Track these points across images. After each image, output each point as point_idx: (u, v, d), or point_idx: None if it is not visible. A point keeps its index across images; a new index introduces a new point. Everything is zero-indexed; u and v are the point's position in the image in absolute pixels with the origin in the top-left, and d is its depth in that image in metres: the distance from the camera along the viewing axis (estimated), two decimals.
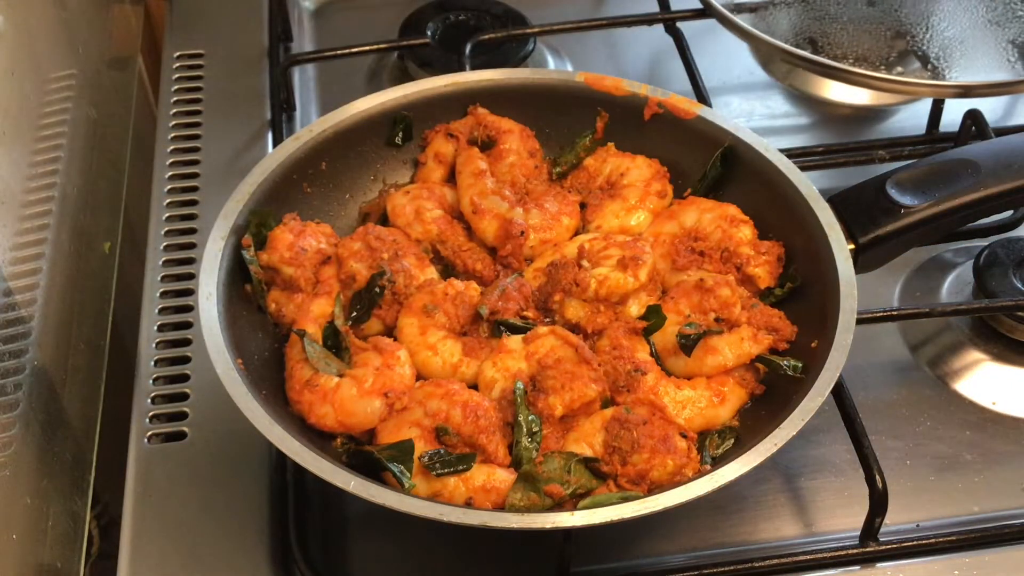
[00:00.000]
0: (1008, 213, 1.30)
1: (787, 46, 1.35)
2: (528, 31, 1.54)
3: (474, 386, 1.05)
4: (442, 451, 0.98)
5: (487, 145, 1.24)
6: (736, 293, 1.09)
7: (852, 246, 1.09)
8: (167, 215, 1.35)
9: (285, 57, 1.56)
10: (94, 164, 1.38)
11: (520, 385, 1.02)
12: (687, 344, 1.06)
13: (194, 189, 1.38)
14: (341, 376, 1.03)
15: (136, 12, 1.71)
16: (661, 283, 1.15)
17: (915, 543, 1.05)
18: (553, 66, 1.61)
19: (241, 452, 1.12)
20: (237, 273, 1.09)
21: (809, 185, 1.12)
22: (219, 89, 1.52)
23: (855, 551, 1.04)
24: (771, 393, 1.06)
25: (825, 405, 0.97)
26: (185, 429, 1.15)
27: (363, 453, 0.99)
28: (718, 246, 1.13)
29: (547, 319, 1.11)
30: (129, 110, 1.57)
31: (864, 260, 1.11)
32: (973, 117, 1.36)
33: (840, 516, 1.09)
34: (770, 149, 1.16)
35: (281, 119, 1.46)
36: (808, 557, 1.04)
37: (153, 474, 1.11)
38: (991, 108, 1.46)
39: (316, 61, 1.57)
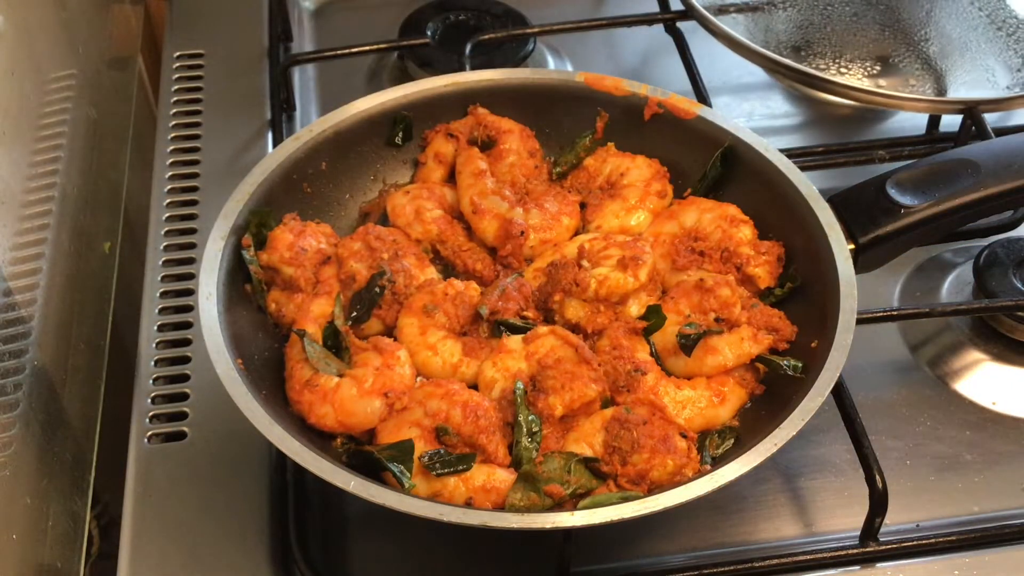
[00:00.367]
0: (1008, 213, 1.30)
1: (771, 53, 1.35)
2: (528, 31, 1.54)
3: (474, 386, 1.05)
4: (442, 451, 0.98)
5: (487, 145, 1.24)
6: (736, 293, 1.09)
7: (852, 246, 1.09)
8: (167, 215, 1.35)
9: (285, 57, 1.56)
10: (94, 164, 1.38)
11: (520, 385, 1.02)
12: (687, 344, 1.06)
13: (194, 189, 1.38)
14: (341, 376, 1.03)
15: (136, 12, 1.71)
16: (661, 283, 1.15)
17: (915, 543, 1.05)
18: (553, 66, 1.61)
19: (241, 452, 1.12)
20: (237, 273, 1.09)
21: (809, 185, 1.12)
22: (219, 89, 1.52)
23: (855, 551, 1.04)
24: (771, 393, 1.06)
25: (825, 405, 0.97)
26: (185, 429, 1.15)
27: (363, 453, 0.98)
28: (718, 246, 1.13)
29: (547, 319, 1.11)
30: (129, 110, 1.57)
31: (864, 260, 1.11)
32: (973, 117, 1.36)
33: (840, 516, 1.09)
34: (770, 149, 1.16)
35: (281, 119, 1.46)
36: (808, 557, 1.04)
37: (153, 474, 1.11)
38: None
39: (316, 61, 1.57)
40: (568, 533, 0.97)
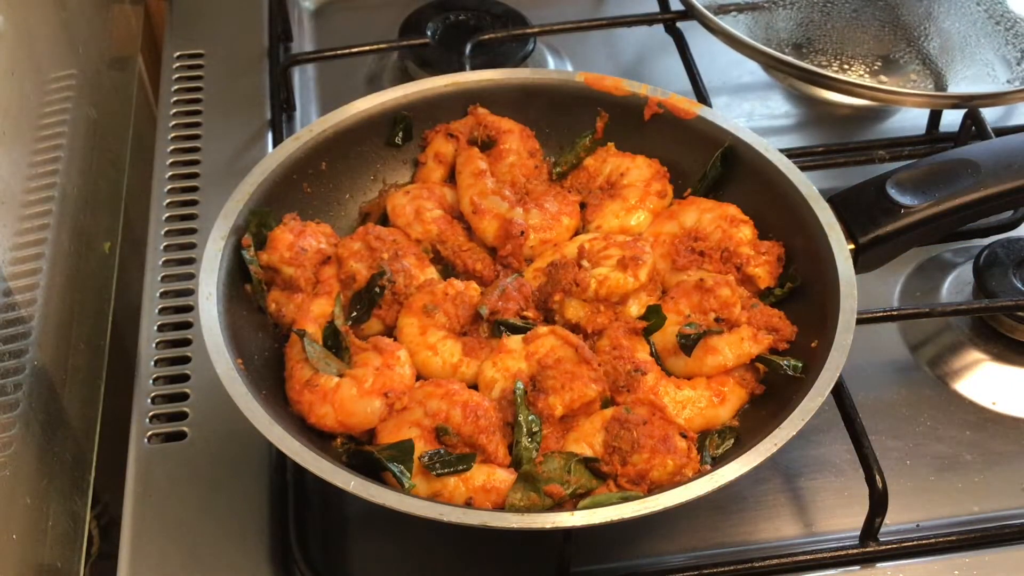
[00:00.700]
0: (1008, 213, 1.30)
1: (773, 51, 1.35)
2: (528, 31, 1.54)
3: (474, 386, 1.05)
4: (442, 451, 0.98)
5: (487, 145, 1.24)
6: (736, 293, 1.09)
7: (852, 246, 1.09)
8: (167, 215, 1.35)
9: (285, 57, 1.56)
10: (94, 164, 1.38)
11: (520, 385, 1.02)
12: (687, 344, 1.06)
13: (194, 189, 1.38)
14: (341, 376, 1.03)
15: (136, 12, 1.71)
16: (661, 283, 1.15)
17: (915, 543, 1.05)
18: (553, 66, 1.61)
19: (241, 452, 1.12)
20: (237, 273, 1.09)
21: (809, 185, 1.12)
22: (219, 89, 1.52)
23: (855, 551, 1.04)
24: (771, 393, 1.06)
25: (825, 405, 0.97)
26: (185, 429, 1.15)
27: (363, 453, 0.98)
28: (718, 246, 1.13)
29: (547, 319, 1.11)
30: (129, 110, 1.57)
31: (864, 260, 1.11)
32: (973, 117, 1.36)
33: (840, 516, 1.09)
34: (770, 149, 1.16)
35: (281, 119, 1.46)
36: (808, 557, 1.04)
37: (153, 474, 1.11)
38: (991, 108, 1.45)
39: (316, 61, 1.57)
40: (568, 533, 0.97)
